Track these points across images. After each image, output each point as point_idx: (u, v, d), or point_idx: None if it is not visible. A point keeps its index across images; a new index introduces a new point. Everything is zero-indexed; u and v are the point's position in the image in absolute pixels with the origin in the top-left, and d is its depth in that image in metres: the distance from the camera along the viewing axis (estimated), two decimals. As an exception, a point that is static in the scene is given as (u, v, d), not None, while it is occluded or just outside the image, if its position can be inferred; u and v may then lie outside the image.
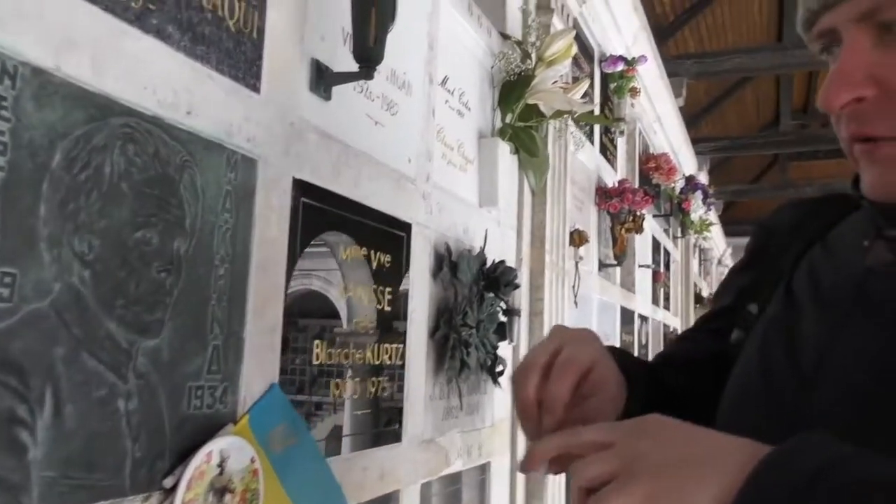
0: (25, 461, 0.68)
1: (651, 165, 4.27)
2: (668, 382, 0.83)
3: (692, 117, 8.45)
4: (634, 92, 3.48)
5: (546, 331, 2.10)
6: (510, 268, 1.71)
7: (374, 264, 1.32)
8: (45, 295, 0.71)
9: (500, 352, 1.76)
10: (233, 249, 0.96)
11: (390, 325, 1.37)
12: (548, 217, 2.20)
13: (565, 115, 2.07)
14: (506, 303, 1.72)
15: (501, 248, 1.96)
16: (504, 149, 1.93)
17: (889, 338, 0.60)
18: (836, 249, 0.70)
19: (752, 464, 0.49)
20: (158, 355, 0.84)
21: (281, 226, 1.07)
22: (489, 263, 1.70)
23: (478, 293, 1.66)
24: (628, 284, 3.97)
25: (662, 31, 6.72)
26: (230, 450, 0.91)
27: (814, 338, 0.65)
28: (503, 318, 1.76)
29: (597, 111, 3.24)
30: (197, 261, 0.90)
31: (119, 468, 0.79)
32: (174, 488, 0.84)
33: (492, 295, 1.70)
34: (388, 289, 1.37)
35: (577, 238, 2.58)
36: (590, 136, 3.11)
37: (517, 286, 1.70)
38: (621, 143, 3.87)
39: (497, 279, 1.65)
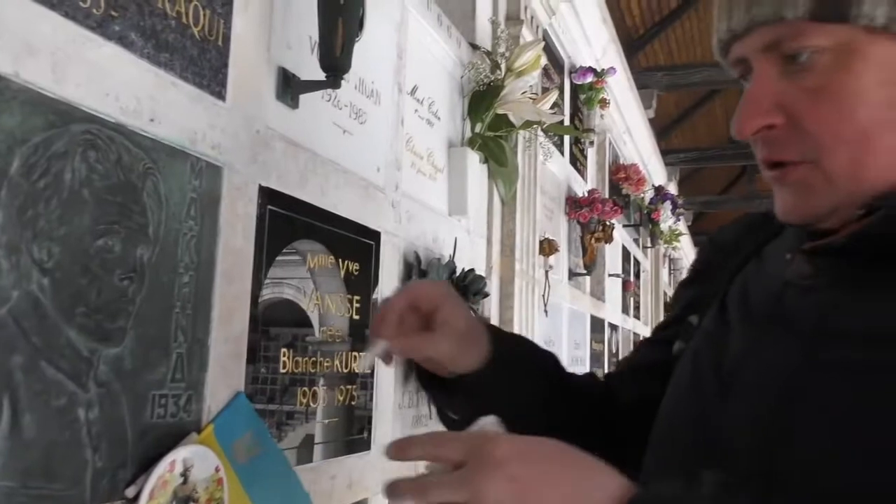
0: (-19, 471, 0.67)
1: (621, 176, 4.32)
2: (619, 394, 0.87)
3: (662, 129, 8.58)
4: (604, 103, 3.52)
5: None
6: (480, 276, 1.72)
7: (343, 272, 1.32)
8: (3, 302, 0.70)
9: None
10: (197, 257, 0.96)
11: (361, 333, 1.37)
12: (518, 226, 2.22)
13: (535, 126, 2.09)
14: (475, 311, 1.73)
15: (471, 257, 1.97)
16: (473, 158, 1.94)
17: (794, 351, 0.61)
18: (767, 264, 0.72)
19: None
20: (121, 364, 0.83)
21: (247, 234, 1.06)
22: (459, 272, 1.71)
23: (447, 301, 1.66)
24: (598, 293, 4.00)
25: (632, 44, 6.82)
26: (194, 458, 0.90)
27: (736, 351, 0.66)
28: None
29: (567, 122, 3.27)
30: (160, 268, 0.90)
31: (79, 478, 0.78)
32: (136, 498, 0.83)
33: (461, 303, 1.71)
34: (358, 297, 1.37)
35: (547, 247, 2.60)
36: (560, 147, 3.14)
37: (486, 294, 1.71)
38: (591, 153, 3.91)
39: (467, 287, 1.66)
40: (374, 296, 1.42)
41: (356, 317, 1.36)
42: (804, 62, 0.59)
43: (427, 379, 0.80)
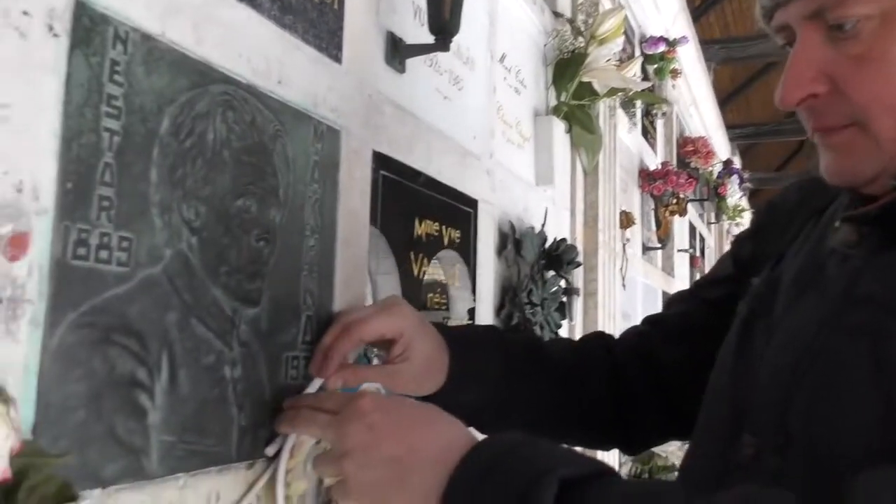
0: (145, 424, 0.68)
1: (689, 149, 4.22)
2: (659, 356, 0.91)
3: (718, 104, 8.35)
4: (675, 73, 3.43)
5: (601, 311, 2.09)
6: (572, 246, 1.69)
7: (447, 240, 1.31)
8: (158, 261, 0.71)
9: (560, 332, 1.74)
10: (321, 220, 0.96)
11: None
12: (600, 197, 2.18)
13: (618, 94, 2.04)
14: (567, 281, 1.71)
15: (557, 228, 1.94)
16: (559, 127, 1.91)
17: (820, 314, 0.62)
18: (820, 230, 0.72)
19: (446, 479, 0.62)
20: (258, 324, 0.84)
21: (363, 198, 1.06)
22: (550, 242, 1.68)
23: (539, 272, 1.64)
24: (668, 269, 3.93)
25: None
26: (326, 420, 0.91)
27: (777, 315, 0.68)
28: (563, 298, 1.74)
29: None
30: (290, 231, 0.90)
31: (226, 435, 0.78)
32: (276, 456, 0.84)
33: (552, 274, 1.69)
34: (460, 266, 1.36)
35: (625, 220, 2.56)
36: (631, 119, 3.08)
37: (579, 264, 1.69)
38: (659, 126, 3.83)
39: (559, 257, 1.64)
40: (469, 264, 1.41)
41: (457, 284, 1.35)
42: (849, 30, 0.58)
43: None
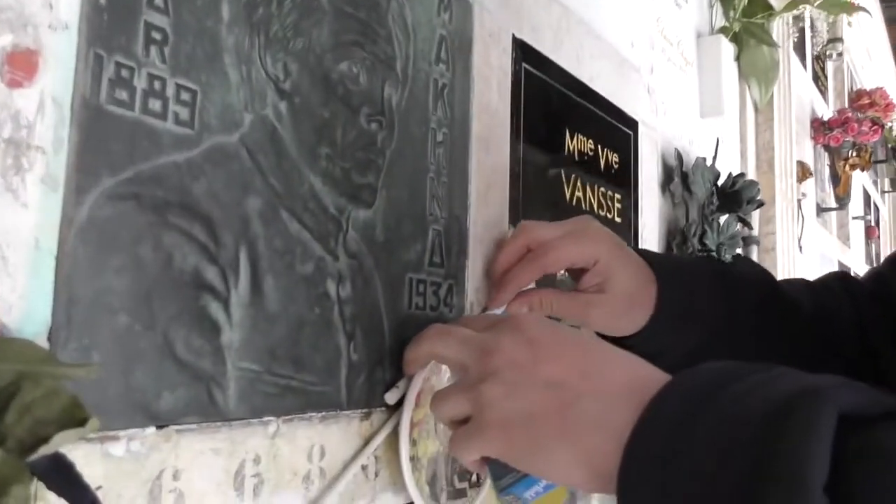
0: (218, 344, 0.50)
1: (864, 102, 3.68)
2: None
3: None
4: (851, 8, 2.96)
5: (780, 270, 1.76)
6: (751, 181, 1.39)
7: (603, 163, 1.07)
8: (234, 127, 0.53)
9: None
10: (451, 112, 0.75)
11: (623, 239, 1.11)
12: (776, 138, 1.84)
13: (801, 7, 1.70)
14: (747, 226, 1.41)
15: (723, 170, 1.64)
16: (728, 50, 1.61)
17: None
18: None
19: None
20: (372, 232, 0.64)
21: (502, 92, 0.84)
22: (725, 177, 1.39)
23: (712, 213, 1.36)
24: (843, 237, 3.45)
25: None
26: (462, 363, 0.70)
27: None
28: (739, 247, 1.44)
29: (807, 34, 2.78)
30: (411, 117, 0.69)
31: (333, 371, 0.59)
32: (398, 405, 0.64)
33: (726, 217, 1.40)
34: (618, 195, 1.11)
35: (801, 171, 2.19)
36: (802, 62, 2.67)
37: (761, 203, 1.38)
38: (830, 72, 3.36)
39: (737, 194, 1.34)
40: (630, 197, 1.16)
41: (617, 219, 1.11)
42: None
43: None
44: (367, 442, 0.62)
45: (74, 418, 0.35)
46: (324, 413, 0.58)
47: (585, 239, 0.68)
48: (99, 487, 0.42)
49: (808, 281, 0.79)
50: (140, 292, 0.45)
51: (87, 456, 0.41)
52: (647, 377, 0.45)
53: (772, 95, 1.83)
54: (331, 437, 0.59)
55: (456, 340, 0.53)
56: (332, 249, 0.60)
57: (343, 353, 0.60)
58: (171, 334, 0.47)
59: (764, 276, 0.77)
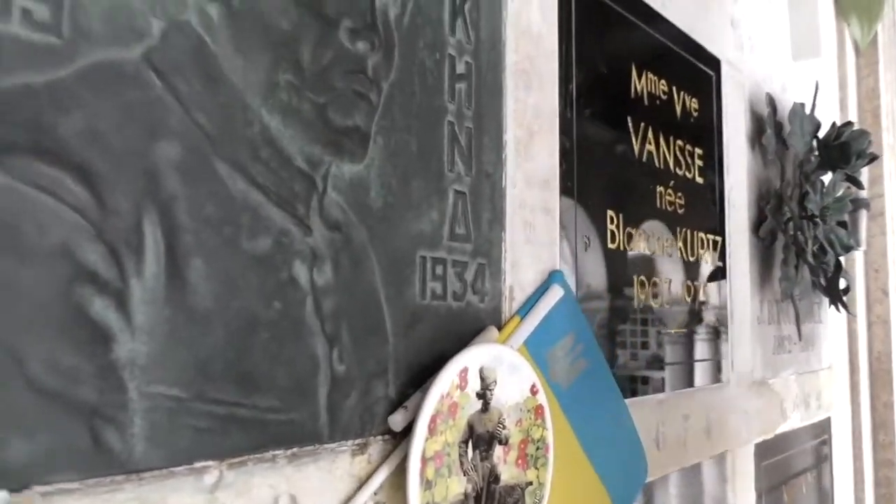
0: (108, 361, 0.33)
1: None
2: None
3: None
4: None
5: (891, 238, 1.50)
6: (862, 131, 1.15)
7: (679, 109, 0.86)
8: (134, 37, 0.35)
9: (846, 259, 1.21)
10: (475, 34, 0.56)
11: (704, 204, 0.91)
12: (882, 84, 1.57)
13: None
14: (858, 185, 1.17)
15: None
16: (824, -22, 1.36)
17: None
18: None
19: None
20: (363, 194, 0.46)
21: (545, 11, 0.65)
22: (825, 129, 1.16)
23: (812, 171, 1.13)
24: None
25: None
26: (495, 370, 0.51)
27: None
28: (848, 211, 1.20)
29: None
30: (418, 38, 0.51)
31: (306, 391, 0.42)
32: (406, 432, 0.46)
33: (831, 175, 1.16)
34: (699, 150, 0.90)
35: (908, 124, 1.89)
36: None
37: (874, 157, 1.14)
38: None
39: (844, 147, 1.11)
40: (714, 151, 0.95)
41: (698, 179, 0.90)
42: None
43: None
44: (362, 484, 0.44)
45: None
46: (294, 449, 0.41)
47: None
48: None
49: None
50: (-44, 286, 0.29)
51: None
52: None
53: (875, 34, 1.56)
54: (305, 482, 0.42)
55: None
56: (300, 218, 0.42)
57: (322, 363, 0.43)
58: (23, 349, 0.30)
59: None
